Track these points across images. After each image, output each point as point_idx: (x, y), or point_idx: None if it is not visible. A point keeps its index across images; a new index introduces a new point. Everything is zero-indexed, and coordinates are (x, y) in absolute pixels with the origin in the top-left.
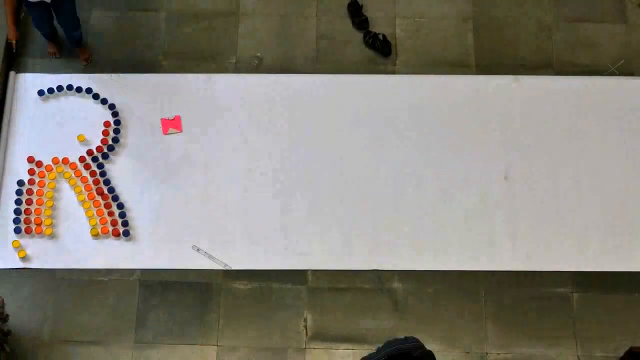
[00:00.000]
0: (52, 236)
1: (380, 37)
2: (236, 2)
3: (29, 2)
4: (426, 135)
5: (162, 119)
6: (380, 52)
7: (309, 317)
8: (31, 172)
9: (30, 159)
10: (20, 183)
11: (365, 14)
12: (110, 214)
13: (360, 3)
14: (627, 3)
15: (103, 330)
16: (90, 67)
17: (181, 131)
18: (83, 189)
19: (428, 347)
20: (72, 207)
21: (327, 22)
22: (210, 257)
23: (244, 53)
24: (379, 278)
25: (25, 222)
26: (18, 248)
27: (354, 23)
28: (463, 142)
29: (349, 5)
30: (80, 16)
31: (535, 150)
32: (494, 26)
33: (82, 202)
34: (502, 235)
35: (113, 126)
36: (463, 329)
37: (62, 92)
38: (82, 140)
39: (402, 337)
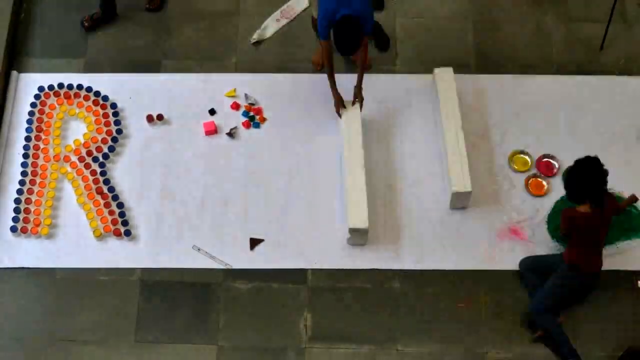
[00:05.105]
0: (52, 236)
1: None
2: (236, 2)
3: None
4: (425, 135)
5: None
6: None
7: (309, 317)
8: (31, 171)
9: (30, 158)
10: (21, 183)
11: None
12: (111, 213)
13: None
14: (627, 3)
15: (103, 330)
16: (90, 66)
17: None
18: (83, 188)
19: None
20: (72, 207)
21: None
22: (211, 256)
23: (245, 53)
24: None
25: (24, 222)
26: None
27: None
28: (463, 142)
29: None
30: (79, 16)
31: (536, 150)
32: (494, 26)
33: (82, 202)
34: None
35: (113, 126)
36: (463, 329)
37: (62, 91)
38: (83, 140)
39: None
